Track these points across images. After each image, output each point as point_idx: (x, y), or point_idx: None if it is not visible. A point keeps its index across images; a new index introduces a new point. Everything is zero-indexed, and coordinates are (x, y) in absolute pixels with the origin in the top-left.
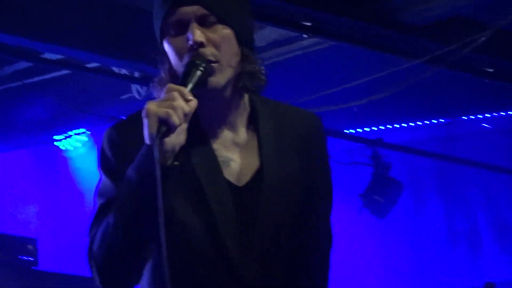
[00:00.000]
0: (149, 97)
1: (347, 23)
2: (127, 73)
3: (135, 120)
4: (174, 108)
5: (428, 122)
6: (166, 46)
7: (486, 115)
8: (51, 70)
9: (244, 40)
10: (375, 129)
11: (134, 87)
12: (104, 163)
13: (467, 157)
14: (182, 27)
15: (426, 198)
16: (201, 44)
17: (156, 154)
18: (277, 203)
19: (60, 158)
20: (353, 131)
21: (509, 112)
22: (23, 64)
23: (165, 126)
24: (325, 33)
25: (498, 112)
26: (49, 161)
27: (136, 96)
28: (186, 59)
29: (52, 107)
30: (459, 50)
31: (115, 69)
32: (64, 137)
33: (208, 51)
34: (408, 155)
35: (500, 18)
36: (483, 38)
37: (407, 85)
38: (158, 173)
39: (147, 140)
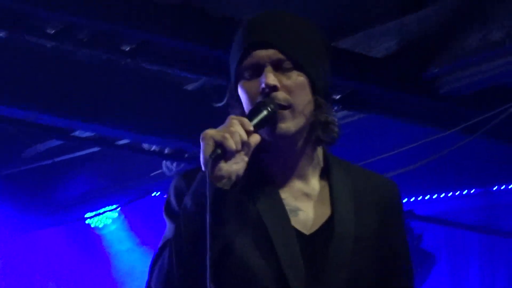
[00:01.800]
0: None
1: (380, 94)
2: (156, 150)
3: (200, 169)
4: (231, 133)
5: (461, 192)
6: (240, 90)
7: None
8: (82, 147)
9: (319, 89)
10: (406, 200)
11: (164, 163)
12: (168, 209)
13: (508, 227)
14: (256, 71)
15: (465, 271)
16: (274, 88)
17: (208, 174)
18: (347, 255)
19: (92, 236)
20: None
21: None
22: (54, 142)
23: (220, 149)
24: (357, 105)
25: None
26: (81, 239)
27: (166, 172)
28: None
29: (83, 184)
30: (493, 118)
31: (145, 146)
32: (95, 214)
33: (281, 95)
34: (443, 227)
35: None
36: None
37: (441, 156)
38: (209, 195)
39: (202, 166)
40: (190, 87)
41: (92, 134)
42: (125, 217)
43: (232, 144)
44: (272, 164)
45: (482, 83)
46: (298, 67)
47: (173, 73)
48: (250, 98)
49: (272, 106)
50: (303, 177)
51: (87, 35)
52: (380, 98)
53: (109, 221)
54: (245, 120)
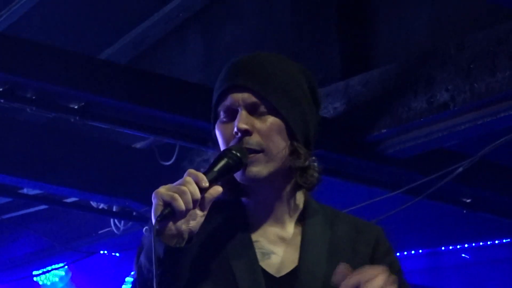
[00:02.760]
0: (128, 232)
1: (326, 156)
2: (105, 207)
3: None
4: (181, 192)
5: (408, 253)
6: (216, 131)
7: (465, 245)
8: (30, 205)
9: (297, 134)
10: None
11: (112, 221)
12: None
13: None
14: (232, 114)
15: None
16: (245, 132)
17: (154, 238)
18: None
19: None
20: None
21: (488, 243)
22: (1, 200)
23: (169, 209)
24: None
25: (477, 242)
26: None
27: (114, 230)
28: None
29: (31, 242)
30: (438, 180)
31: (93, 204)
32: (42, 272)
33: (253, 140)
34: None
35: (480, 148)
36: (461, 169)
37: (387, 216)
38: (154, 260)
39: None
40: (138, 145)
41: (40, 191)
42: (73, 274)
43: (181, 204)
44: (250, 207)
45: (426, 145)
46: (273, 111)
47: (121, 131)
48: (225, 140)
49: (236, 154)
50: (280, 221)
51: (34, 93)
52: (325, 159)
53: (57, 279)
54: (201, 176)
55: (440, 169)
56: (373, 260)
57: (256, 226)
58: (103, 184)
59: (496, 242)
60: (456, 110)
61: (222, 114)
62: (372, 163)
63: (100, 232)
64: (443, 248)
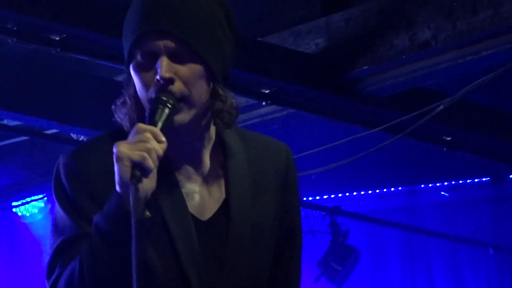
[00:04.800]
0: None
1: (306, 92)
2: (85, 140)
3: (96, 147)
4: (148, 150)
5: (387, 190)
6: (133, 74)
7: (444, 183)
8: (10, 136)
9: (218, 76)
10: (333, 196)
11: None
12: (60, 194)
13: (427, 226)
14: (151, 59)
15: (386, 267)
16: (169, 80)
17: (133, 203)
18: (245, 239)
19: (18, 224)
20: (311, 198)
21: (467, 181)
22: None
23: (139, 172)
24: (283, 102)
25: (456, 180)
26: (6, 227)
27: None
28: (152, 93)
29: (11, 174)
30: (417, 119)
31: (74, 136)
32: (21, 203)
33: (177, 87)
34: (368, 224)
35: (459, 88)
36: (441, 107)
37: (366, 154)
38: (134, 226)
39: (118, 187)
40: (119, 78)
41: (21, 123)
42: (52, 206)
43: (151, 163)
44: (167, 150)
45: (407, 84)
46: (194, 56)
47: (103, 64)
48: (144, 85)
49: (171, 102)
50: (196, 157)
51: (15, 25)
52: (305, 96)
53: (36, 210)
54: (157, 131)
55: (421, 107)
56: (285, 184)
57: (176, 167)
58: (83, 116)
59: (476, 180)
60: (438, 49)
61: (139, 57)
62: (352, 101)
63: None
64: (422, 186)
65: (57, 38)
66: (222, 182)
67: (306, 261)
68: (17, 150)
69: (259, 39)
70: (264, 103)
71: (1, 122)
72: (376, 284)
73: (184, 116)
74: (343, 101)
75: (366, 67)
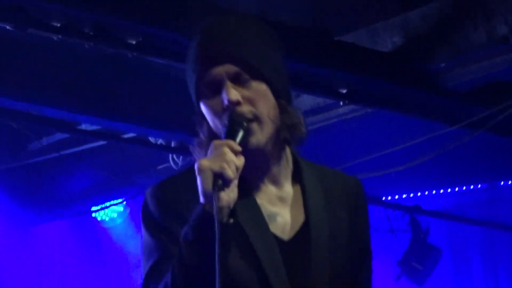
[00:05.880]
0: (186, 167)
1: (385, 89)
2: (163, 143)
3: (178, 180)
4: (227, 162)
5: (466, 188)
6: (203, 108)
7: None
8: (88, 141)
9: (280, 92)
10: (413, 195)
11: (171, 156)
12: (147, 221)
13: (509, 222)
14: (217, 87)
15: (468, 265)
16: (237, 103)
17: (216, 209)
18: (326, 258)
19: (98, 229)
20: (390, 198)
21: None
22: (60, 136)
23: (221, 180)
24: (362, 100)
25: None
26: (87, 232)
27: (173, 165)
28: (224, 120)
29: (89, 178)
30: (497, 114)
31: (152, 139)
32: (101, 208)
33: (245, 109)
34: (449, 221)
35: None
36: None
37: (446, 151)
38: (218, 230)
39: (201, 198)
40: None
41: (99, 127)
42: (131, 210)
43: (230, 173)
44: (246, 172)
45: (485, 79)
46: (256, 76)
47: (180, 66)
48: (215, 115)
49: (244, 122)
50: (276, 180)
51: (92, 28)
52: (384, 93)
53: (115, 215)
54: (233, 143)
55: (500, 102)
56: (355, 214)
57: (255, 189)
58: (161, 119)
59: None
60: None
61: (205, 90)
62: (431, 96)
63: (158, 167)
64: (502, 183)
65: (134, 42)
66: (301, 205)
67: (387, 260)
68: (95, 154)
69: (336, 38)
70: (342, 103)
71: (79, 127)
72: (458, 283)
73: (258, 137)
74: (422, 97)
75: (444, 63)
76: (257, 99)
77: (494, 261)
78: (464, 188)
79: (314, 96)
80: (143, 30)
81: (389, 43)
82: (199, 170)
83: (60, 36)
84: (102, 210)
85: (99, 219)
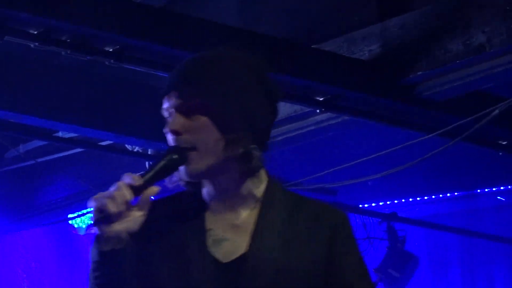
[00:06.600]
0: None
1: (361, 99)
2: (140, 150)
3: (154, 202)
4: (111, 197)
5: (443, 196)
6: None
7: (500, 188)
8: (65, 148)
9: (228, 126)
10: (390, 203)
11: (147, 164)
12: None
13: (485, 230)
14: (169, 114)
15: (446, 272)
16: (176, 133)
17: (98, 239)
18: (266, 285)
19: (74, 236)
20: (367, 205)
21: None
22: (37, 143)
23: (101, 214)
24: (338, 109)
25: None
26: (63, 239)
27: None
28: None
29: (67, 185)
30: (474, 123)
31: (129, 147)
32: (77, 215)
33: (183, 138)
34: (426, 229)
35: None
36: (497, 111)
37: (422, 159)
38: (98, 256)
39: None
40: None
41: (75, 135)
42: None
43: (111, 208)
44: (207, 197)
45: (463, 88)
46: (201, 109)
47: (157, 75)
48: (167, 140)
49: (171, 156)
50: (233, 209)
51: (69, 36)
52: (361, 102)
53: (92, 222)
54: (132, 179)
55: (477, 111)
56: (332, 244)
57: (211, 215)
58: (138, 127)
59: None
60: (493, 52)
61: (165, 113)
62: (408, 106)
63: (135, 174)
64: (478, 190)
65: (111, 50)
66: (250, 232)
67: None
68: (72, 162)
69: (313, 46)
70: (318, 111)
71: (56, 134)
72: None
73: (196, 165)
74: (398, 107)
75: (421, 72)
76: (197, 131)
77: (472, 269)
78: (441, 196)
79: (291, 103)
80: (120, 39)
81: (366, 52)
82: (91, 201)
83: (37, 44)
84: (79, 218)
85: (75, 226)
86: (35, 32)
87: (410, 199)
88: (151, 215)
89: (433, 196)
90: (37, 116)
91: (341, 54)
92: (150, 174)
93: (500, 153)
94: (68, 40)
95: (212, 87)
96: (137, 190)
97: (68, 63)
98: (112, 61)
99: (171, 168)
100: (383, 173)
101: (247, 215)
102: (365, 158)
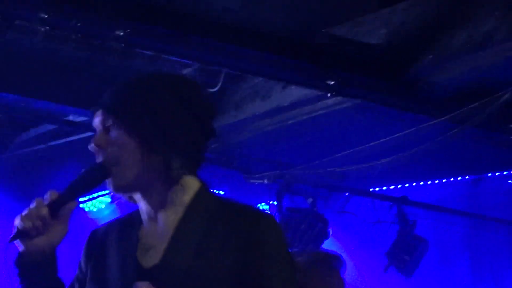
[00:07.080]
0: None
1: (370, 83)
2: None
3: (107, 224)
4: (26, 215)
5: (453, 180)
6: None
7: (511, 171)
8: (76, 132)
9: (140, 137)
10: (400, 187)
11: None
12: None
13: (493, 214)
14: (95, 130)
15: (453, 256)
16: (97, 146)
17: (20, 253)
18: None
19: (85, 220)
20: (378, 189)
21: None
22: (48, 127)
23: (19, 230)
24: (348, 93)
25: None
26: (74, 223)
27: None
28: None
29: (77, 169)
30: (483, 108)
31: None
32: (88, 199)
33: (103, 155)
34: (434, 212)
35: None
36: (506, 95)
37: (432, 143)
38: (18, 267)
39: None
40: (184, 71)
41: (86, 118)
42: (119, 202)
43: (27, 224)
44: (141, 210)
45: (471, 74)
46: (120, 127)
47: (167, 58)
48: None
49: (92, 171)
50: (161, 217)
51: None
52: (369, 87)
53: (103, 206)
54: (52, 194)
55: (486, 97)
56: (250, 250)
57: (145, 226)
58: None
59: None
60: (501, 40)
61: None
62: (417, 91)
63: None
64: (488, 174)
65: (121, 33)
66: (169, 238)
67: (375, 252)
68: (82, 146)
69: (323, 30)
70: (329, 95)
71: (67, 118)
72: (443, 274)
73: (117, 180)
74: (408, 91)
75: (431, 56)
76: (115, 147)
77: (480, 252)
78: (451, 180)
79: (302, 87)
80: (130, 23)
81: (375, 36)
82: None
83: (48, 28)
84: (90, 201)
85: (86, 210)
86: (46, 16)
87: (420, 183)
88: (100, 238)
89: (444, 180)
90: (48, 100)
91: (350, 38)
92: (70, 190)
93: (511, 137)
94: (79, 24)
95: (128, 104)
96: (56, 205)
97: (79, 49)
98: (122, 44)
99: (93, 183)
100: (393, 158)
101: (171, 223)
102: (374, 143)
